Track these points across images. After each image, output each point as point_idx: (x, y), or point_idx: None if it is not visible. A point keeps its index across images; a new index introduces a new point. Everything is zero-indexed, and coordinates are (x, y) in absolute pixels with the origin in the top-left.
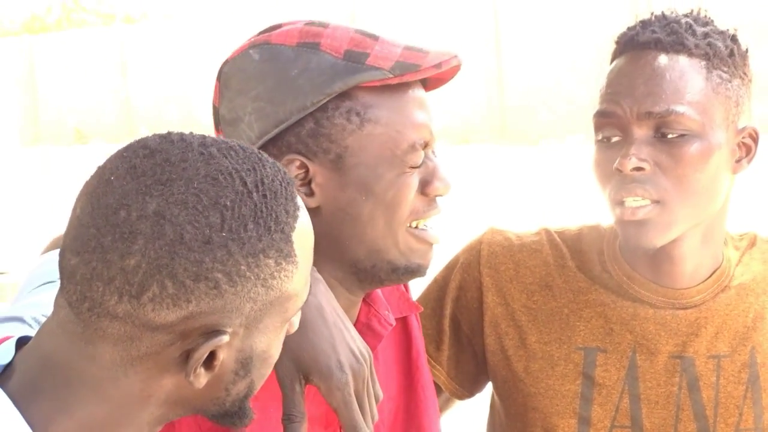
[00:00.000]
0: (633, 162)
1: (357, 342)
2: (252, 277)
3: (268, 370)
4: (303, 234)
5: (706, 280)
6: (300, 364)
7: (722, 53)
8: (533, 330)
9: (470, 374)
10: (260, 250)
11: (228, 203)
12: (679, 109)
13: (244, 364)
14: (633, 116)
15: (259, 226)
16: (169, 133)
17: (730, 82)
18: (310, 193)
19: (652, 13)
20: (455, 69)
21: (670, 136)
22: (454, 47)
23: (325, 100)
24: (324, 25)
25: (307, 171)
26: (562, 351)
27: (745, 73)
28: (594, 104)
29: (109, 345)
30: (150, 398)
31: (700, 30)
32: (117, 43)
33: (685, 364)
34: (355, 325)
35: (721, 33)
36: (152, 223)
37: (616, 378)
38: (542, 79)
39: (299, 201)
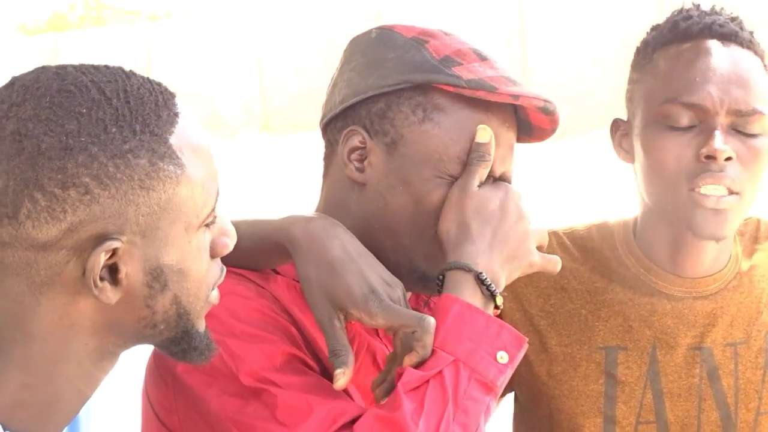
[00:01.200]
0: (724, 149)
1: (385, 271)
2: (124, 178)
3: (195, 286)
4: (189, 136)
5: (722, 269)
6: (335, 301)
7: (764, 56)
8: (552, 333)
9: None
10: (127, 151)
11: (84, 110)
12: (761, 108)
13: (156, 276)
14: (722, 109)
15: (122, 128)
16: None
17: None
18: (361, 169)
19: (695, 5)
20: (553, 120)
21: (746, 132)
22: (477, 41)
23: (401, 86)
24: (447, 34)
25: (365, 147)
26: (583, 352)
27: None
28: (615, 98)
29: (12, 276)
30: (74, 327)
31: (745, 29)
32: (142, 40)
33: (704, 355)
34: None
35: (754, 35)
36: (10, 142)
37: (638, 374)
38: (566, 74)
39: (181, 110)
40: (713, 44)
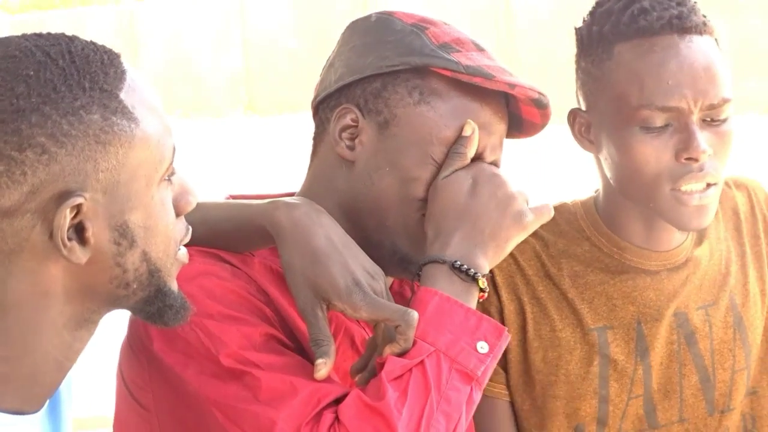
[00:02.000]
0: (705, 149)
1: (368, 261)
2: (80, 135)
3: (163, 241)
4: (139, 92)
5: (687, 238)
6: (318, 291)
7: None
8: (544, 320)
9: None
10: (79, 107)
11: (31, 73)
12: (728, 95)
13: (123, 233)
14: (696, 108)
15: (72, 87)
16: None
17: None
18: (352, 147)
19: None
20: (545, 114)
21: (716, 121)
22: (464, 24)
23: (399, 68)
24: (446, 23)
25: (357, 126)
26: (577, 335)
27: None
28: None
29: None
30: (48, 295)
31: (694, 8)
32: (127, 20)
33: (679, 321)
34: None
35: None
36: None
37: (627, 351)
38: (555, 58)
39: (127, 67)
40: (677, 41)
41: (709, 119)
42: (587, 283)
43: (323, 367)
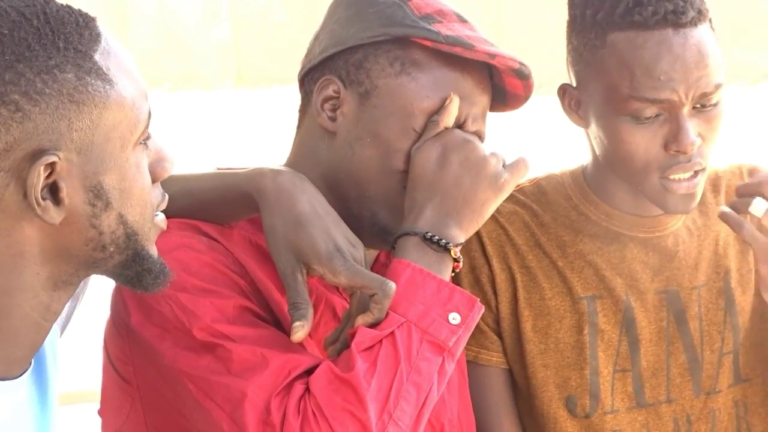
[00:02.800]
0: (694, 142)
1: (349, 231)
2: (53, 93)
3: (139, 204)
4: (113, 55)
5: None
6: (300, 254)
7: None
8: (535, 288)
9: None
10: (53, 66)
11: (5, 32)
12: (719, 81)
13: (97, 194)
14: (687, 99)
15: (46, 46)
16: None
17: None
18: (333, 118)
19: None
20: (527, 86)
21: (707, 106)
22: None
23: (380, 38)
24: None
25: (338, 97)
26: (566, 303)
27: None
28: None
29: None
30: (23, 255)
31: None
32: None
33: (670, 298)
34: (373, 266)
35: None
36: None
37: (614, 322)
38: (543, 29)
39: (102, 30)
40: (671, 36)
41: (699, 105)
42: (576, 252)
43: (300, 330)
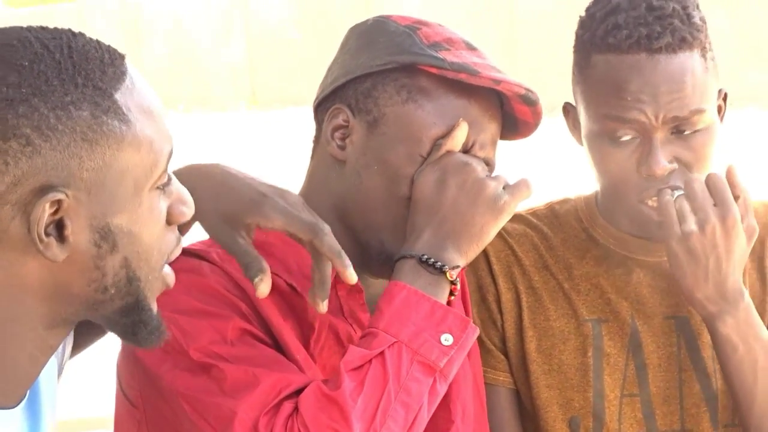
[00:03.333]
0: (665, 167)
1: (275, 184)
2: (66, 130)
3: (146, 250)
4: (137, 94)
5: None
6: (229, 217)
7: (703, 29)
8: (540, 309)
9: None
10: (69, 103)
11: (26, 63)
12: (699, 107)
13: (104, 236)
14: (658, 122)
15: (64, 81)
16: None
17: (713, 57)
18: (343, 147)
19: (629, 1)
20: (536, 112)
21: (686, 132)
22: (464, 18)
23: (388, 66)
24: (441, 25)
25: (348, 125)
26: (571, 325)
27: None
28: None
29: None
30: (24, 289)
31: (684, 13)
32: (130, 15)
33: (679, 324)
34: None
35: (695, 5)
36: None
37: (620, 346)
38: (556, 49)
39: (130, 70)
40: (644, 60)
41: (676, 130)
42: (582, 274)
43: (261, 284)
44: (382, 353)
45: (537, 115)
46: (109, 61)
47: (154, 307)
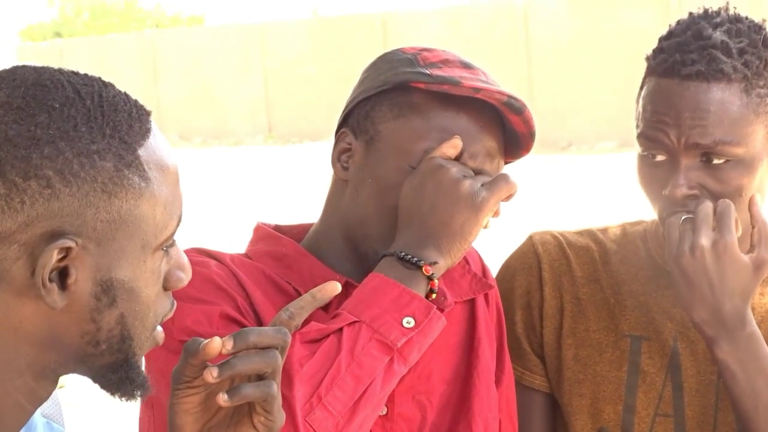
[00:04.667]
0: (684, 191)
1: None
2: (87, 179)
3: (143, 309)
4: (159, 154)
5: None
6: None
7: (758, 68)
8: (581, 319)
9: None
10: (94, 152)
11: (56, 105)
12: (725, 139)
13: (106, 289)
14: (681, 146)
15: (92, 129)
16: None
17: None
18: (347, 167)
19: (684, 29)
20: (524, 118)
21: (716, 161)
22: (482, 54)
23: (382, 88)
24: (446, 51)
25: (351, 148)
26: (609, 338)
27: None
28: (630, 117)
29: None
30: (17, 331)
31: (735, 47)
32: (147, 48)
33: None
34: None
35: (756, 44)
36: None
37: (659, 366)
38: (572, 86)
39: (153, 128)
40: (675, 85)
41: (708, 160)
42: (630, 291)
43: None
44: (340, 329)
45: (528, 124)
46: (137, 115)
47: (141, 363)
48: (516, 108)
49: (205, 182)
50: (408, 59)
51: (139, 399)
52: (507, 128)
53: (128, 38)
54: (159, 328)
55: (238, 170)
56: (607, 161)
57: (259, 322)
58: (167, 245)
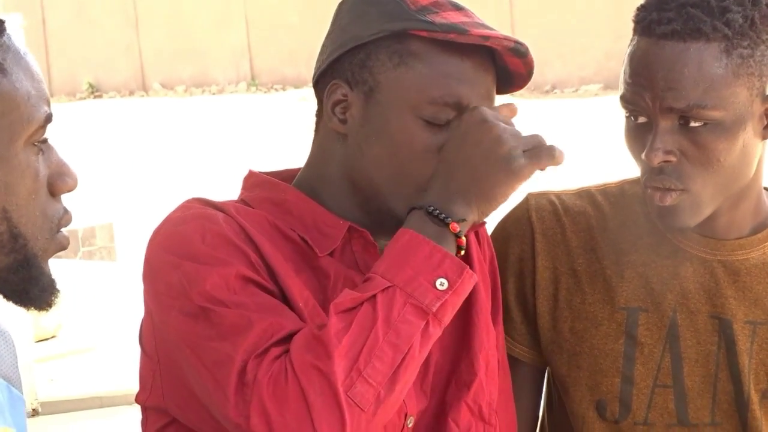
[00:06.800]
0: (660, 156)
1: None
2: None
3: (24, 205)
4: (14, 52)
5: (749, 236)
6: None
7: (742, 28)
8: (577, 292)
9: (537, 339)
10: None
11: None
12: (701, 102)
13: None
14: (656, 109)
15: None
16: None
17: (752, 56)
18: (344, 120)
19: None
20: (527, 63)
21: (693, 124)
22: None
23: (379, 35)
24: None
25: (347, 99)
26: (605, 311)
27: None
28: (615, 59)
29: None
30: None
31: (717, 5)
32: None
33: (722, 326)
34: None
35: (741, 2)
36: None
37: (657, 337)
38: (555, 29)
39: (9, 29)
40: (649, 45)
41: (687, 123)
42: (630, 261)
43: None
44: (374, 296)
45: (528, 65)
46: None
47: (47, 268)
48: (521, 53)
49: (188, 131)
50: (394, 2)
51: (48, 307)
52: (500, 66)
53: None
54: (63, 231)
55: (221, 119)
56: (591, 105)
57: (272, 274)
58: (37, 139)
